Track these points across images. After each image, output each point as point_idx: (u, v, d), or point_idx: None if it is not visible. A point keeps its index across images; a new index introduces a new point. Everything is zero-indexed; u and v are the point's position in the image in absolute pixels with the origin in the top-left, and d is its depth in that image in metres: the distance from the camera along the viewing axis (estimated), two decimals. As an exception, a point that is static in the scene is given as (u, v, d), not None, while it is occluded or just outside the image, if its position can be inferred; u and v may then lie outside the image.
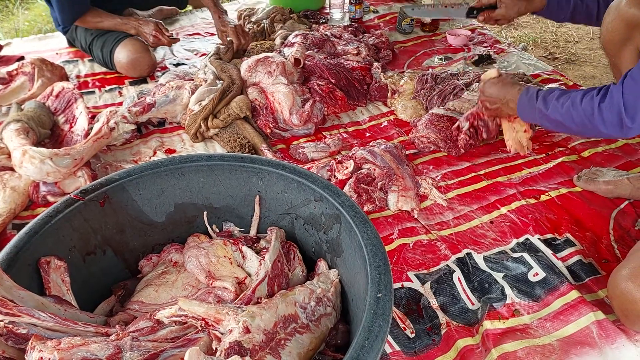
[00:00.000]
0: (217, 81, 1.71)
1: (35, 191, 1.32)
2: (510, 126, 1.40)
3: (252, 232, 1.05)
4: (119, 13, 1.97)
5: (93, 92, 1.88)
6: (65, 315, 0.78)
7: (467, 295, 1.09)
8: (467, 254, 1.18)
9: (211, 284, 0.91)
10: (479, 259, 1.17)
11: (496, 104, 1.31)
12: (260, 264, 0.90)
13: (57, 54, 2.16)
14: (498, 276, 1.12)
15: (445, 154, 1.52)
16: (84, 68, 2.04)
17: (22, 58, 2.04)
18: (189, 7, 2.60)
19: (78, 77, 1.98)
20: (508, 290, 1.08)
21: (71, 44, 2.15)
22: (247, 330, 0.71)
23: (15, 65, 1.80)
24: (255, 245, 1.01)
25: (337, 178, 1.38)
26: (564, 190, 1.36)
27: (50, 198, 1.32)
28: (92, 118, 1.56)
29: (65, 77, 1.87)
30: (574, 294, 1.05)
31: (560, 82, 1.88)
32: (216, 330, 0.72)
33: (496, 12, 1.46)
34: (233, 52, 1.93)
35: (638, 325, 0.95)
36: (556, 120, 1.11)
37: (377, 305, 0.69)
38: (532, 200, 1.33)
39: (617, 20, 1.24)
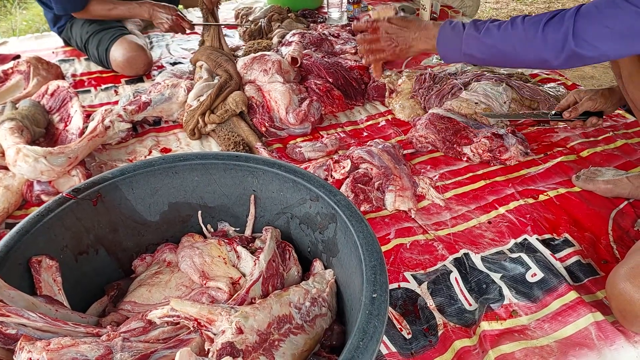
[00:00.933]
0: (215, 77, 1.70)
1: (29, 190, 1.31)
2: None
3: (247, 231, 1.04)
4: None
5: (89, 90, 1.87)
6: (56, 316, 0.76)
7: (464, 296, 1.08)
8: (464, 254, 1.17)
9: (205, 284, 0.90)
10: (476, 259, 1.16)
11: (401, 44, 1.19)
12: (255, 264, 0.89)
13: (53, 52, 2.15)
14: (496, 277, 1.11)
15: (443, 154, 1.51)
16: (80, 67, 2.03)
17: (17, 57, 2.02)
18: (180, 7, 2.59)
19: (74, 75, 1.97)
20: (506, 290, 1.07)
21: (67, 43, 2.14)
22: (240, 331, 0.70)
23: (10, 64, 1.78)
24: (250, 245, 1.00)
25: (334, 178, 1.37)
26: (562, 190, 1.35)
27: (44, 197, 1.30)
28: (88, 117, 1.55)
29: (61, 76, 1.86)
30: (572, 295, 1.03)
31: (559, 82, 1.87)
32: (208, 330, 0.71)
33: (582, 102, 1.33)
34: (207, 9, 1.85)
35: (636, 326, 0.94)
36: (489, 45, 1.03)
37: (373, 305, 0.68)
38: (531, 200, 1.32)
39: None
